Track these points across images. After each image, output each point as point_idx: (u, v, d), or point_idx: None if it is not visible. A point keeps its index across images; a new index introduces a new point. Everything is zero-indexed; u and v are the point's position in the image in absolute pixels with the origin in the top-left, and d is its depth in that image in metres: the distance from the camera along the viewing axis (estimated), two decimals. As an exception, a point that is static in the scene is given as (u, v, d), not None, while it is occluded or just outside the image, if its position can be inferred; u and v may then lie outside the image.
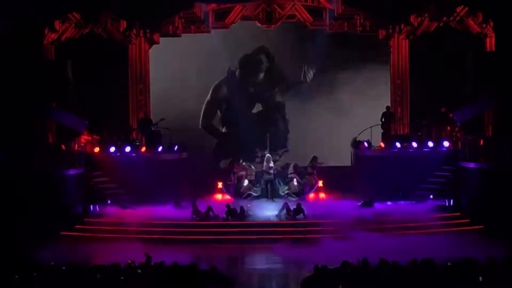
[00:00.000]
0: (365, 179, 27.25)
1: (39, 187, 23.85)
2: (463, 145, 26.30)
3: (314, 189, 27.44)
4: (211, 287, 15.75)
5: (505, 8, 27.40)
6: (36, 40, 28.23)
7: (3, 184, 23.39)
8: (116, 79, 28.88)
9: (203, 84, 30.34)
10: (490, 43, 28.53)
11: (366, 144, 27.66)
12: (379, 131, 28.04)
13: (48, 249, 21.18)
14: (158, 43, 29.37)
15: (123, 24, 28.96)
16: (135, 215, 24.99)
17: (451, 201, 25.64)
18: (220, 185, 27.80)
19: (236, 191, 27.47)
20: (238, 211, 24.52)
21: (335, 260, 16.41)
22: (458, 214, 24.82)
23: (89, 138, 27.79)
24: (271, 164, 27.39)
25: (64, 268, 16.59)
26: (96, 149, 27.27)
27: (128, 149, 27.23)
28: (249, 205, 25.55)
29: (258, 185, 27.46)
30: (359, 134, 27.38)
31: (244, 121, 29.69)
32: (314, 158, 28.04)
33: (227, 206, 24.75)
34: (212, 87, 30.58)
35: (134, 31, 28.96)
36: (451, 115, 27.45)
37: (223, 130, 30.85)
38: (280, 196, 26.98)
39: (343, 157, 28.75)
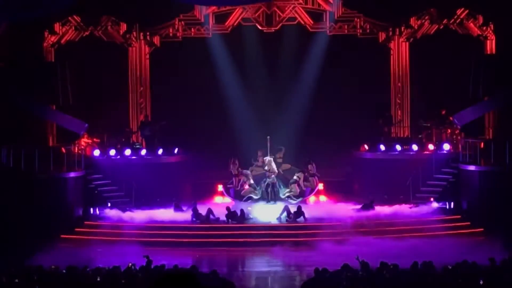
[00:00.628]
0: (366, 182, 27.22)
1: (39, 190, 23.83)
2: (464, 147, 26.28)
3: (314, 191, 27.40)
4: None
5: (505, 10, 27.39)
6: (36, 42, 28.29)
7: (3, 187, 23.37)
8: (116, 81, 28.88)
9: (203, 87, 30.29)
10: (491, 45, 28.55)
11: (366, 147, 27.71)
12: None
13: (48, 252, 21.18)
14: (158, 46, 29.38)
15: (123, 27, 28.98)
16: (135, 218, 24.95)
17: (452, 204, 25.60)
18: (220, 187, 27.78)
19: (237, 194, 27.43)
20: (239, 214, 24.50)
21: (335, 263, 16.40)
22: (459, 217, 24.79)
23: (89, 141, 27.78)
24: (273, 167, 27.33)
25: (64, 271, 16.59)
26: (96, 152, 27.25)
27: (128, 152, 27.23)
28: (249, 208, 25.52)
29: (258, 187, 27.43)
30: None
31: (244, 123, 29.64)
32: (309, 160, 27.83)
33: (228, 209, 24.72)
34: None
35: (134, 34, 28.99)
36: (451, 118, 27.44)
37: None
38: (280, 199, 26.94)
39: (343, 160, 28.74)
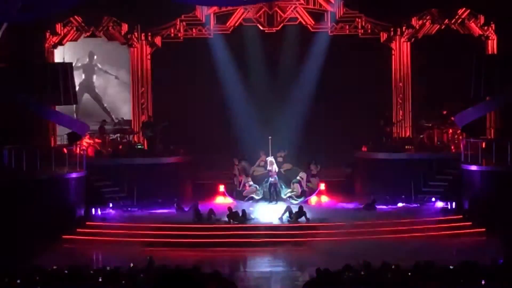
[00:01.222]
0: (367, 182, 27.20)
1: (41, 190, 23.84)
2: (465, 147, 26.26)
3: (316, 191, 27.39)
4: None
5: (506, 10, 27.39)
6: (37, 43, 28.30)
7: (5, 188, 23.37)
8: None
9: (205, 87, 30.29)
10: (492, 45, 28.54)
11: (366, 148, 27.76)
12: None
13: (50, 252, 21.19)
14: (160, 46, 29.38)
15: (125, 27, 28.99)
16: (137, 218, 24.95)
17: (454, 204, 25.59)
18: (222, 188, 27.78)
19: (238, 194, 27.43)
20: (240, 214, 24.49)
21: (337, 264, 16.38)
22: (461, 217, 24.77)
23: (91, 141, 27.79)
24: (275, 167, 27.33)
25: (66, 271, 16.58)
26: (98, 153, 27.24)
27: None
28: (251, 208, 25.52)
29: (260, 188, 27.42)
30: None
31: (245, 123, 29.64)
32: (313, 161, 27.83)
33: (229, 209, 24.72)
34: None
35: (136, 34, 28.99)
36: (452, 118, 27.42)
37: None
38: (282, 199, 26.93)
39: (344, 160, 28.74)
